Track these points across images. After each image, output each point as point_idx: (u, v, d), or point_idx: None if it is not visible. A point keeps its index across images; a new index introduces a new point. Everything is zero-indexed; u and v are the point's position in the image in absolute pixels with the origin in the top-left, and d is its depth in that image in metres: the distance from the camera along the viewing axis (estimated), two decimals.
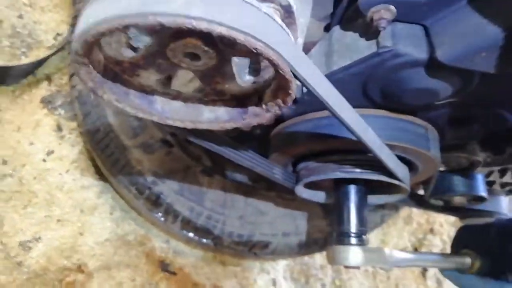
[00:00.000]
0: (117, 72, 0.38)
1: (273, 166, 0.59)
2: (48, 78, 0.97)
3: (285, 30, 0.32)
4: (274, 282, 0.99)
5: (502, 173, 0.75)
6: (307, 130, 0.52)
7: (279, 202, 0.80)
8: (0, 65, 0.91)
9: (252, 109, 0.36)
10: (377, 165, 0.51)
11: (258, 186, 0.79)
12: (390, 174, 0.53)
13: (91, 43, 0.30)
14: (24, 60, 0.96)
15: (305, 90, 0.51)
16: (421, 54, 0.40)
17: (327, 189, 0.62)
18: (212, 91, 0.38)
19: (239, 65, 0.35)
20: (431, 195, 0.69)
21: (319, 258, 1.06)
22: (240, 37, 0.27)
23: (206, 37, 0.31)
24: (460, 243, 0.64)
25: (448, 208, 0.76)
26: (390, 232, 1.13)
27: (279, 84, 0.36)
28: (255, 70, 0.36)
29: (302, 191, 0.60)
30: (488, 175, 0.76)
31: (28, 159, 0.92)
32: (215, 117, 0.39)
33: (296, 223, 0.80)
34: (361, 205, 0.56)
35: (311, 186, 0.61)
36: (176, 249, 0.94)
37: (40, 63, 0.93)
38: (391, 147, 0.49)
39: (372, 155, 0.46)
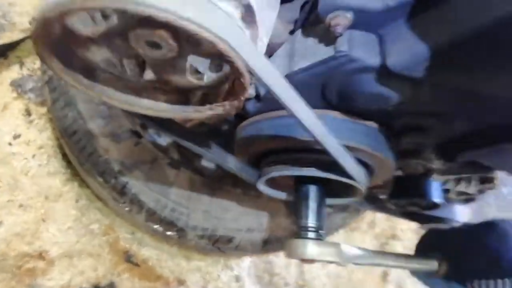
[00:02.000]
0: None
1: (237, 161, 0.61)
2: (20, 62, 0.95)
3: (241, 28, 0.34)
4: (237, 279, 1.01)
5: (457, 182, 0.79)
6: (268, 128, 0.54)
7: (244, 199, 0.82)
8: None
9: (194, 105, 0.37)
10: (335, 166, 0.53)
11: (224, 182, 0.81)
12: (347, 175, 0.55)
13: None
14: None
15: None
16: (374, 60, 0.43)
17: (287, 188, 0.64)
18: (158, 79, 0.39)
19: (196, 62, 0.36)
20: (389, 199, 0.72)
21: (283, 257, 1.08)
22: (205, 35, 0.29)
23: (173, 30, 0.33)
24: (426, 245, 0.65)
25: (405, 213, 0.79)
26: (353, 235, 1.16)
27: (233, 85, 0.38)
28: (215, 67, 0.37)
29: (263, 187, 0.62)
30: (444, 183, 0.80)
31: None
32: (154, 104, 0.39)
33: (260, 220, 0.82)
34: (320, 203, 0.58)
35: (272, 183, 0.63)
36: (141, 241, 0.94)
37: (12, 45, 0.92)
38: (347, 148, 0.51)
39: (329, 155, 0.49)
